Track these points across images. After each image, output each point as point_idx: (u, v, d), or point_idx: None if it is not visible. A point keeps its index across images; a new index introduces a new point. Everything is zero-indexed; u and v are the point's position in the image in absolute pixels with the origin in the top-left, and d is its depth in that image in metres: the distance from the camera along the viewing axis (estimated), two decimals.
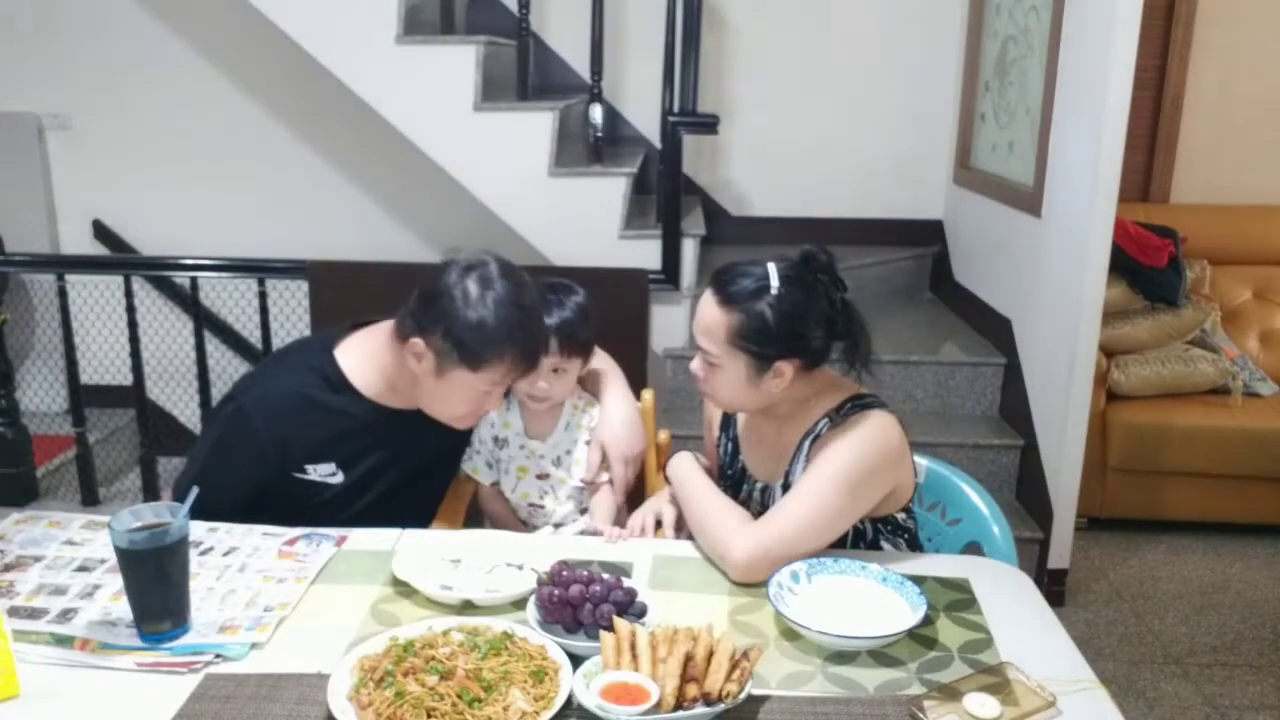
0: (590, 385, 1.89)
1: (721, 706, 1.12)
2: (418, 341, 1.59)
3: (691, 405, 3.28)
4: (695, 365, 1.58)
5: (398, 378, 1.67)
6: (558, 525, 1.83)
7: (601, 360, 1.91)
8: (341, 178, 3.98)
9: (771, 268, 1.51)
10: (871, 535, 1.62)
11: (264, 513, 1.63)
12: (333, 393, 1.68)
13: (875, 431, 1.52)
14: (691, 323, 1.58)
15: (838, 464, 1.50)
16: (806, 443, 1.57)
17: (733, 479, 1.72)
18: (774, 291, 1.49)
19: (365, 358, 1.70)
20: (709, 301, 1.54)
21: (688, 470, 1.64)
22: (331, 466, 1.69)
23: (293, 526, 1.60)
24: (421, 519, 1.79)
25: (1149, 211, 3.69)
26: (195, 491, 1.34)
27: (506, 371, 1.60)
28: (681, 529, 1.65)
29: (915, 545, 1.68)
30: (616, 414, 1.83)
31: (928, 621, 1.34)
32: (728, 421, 1.76)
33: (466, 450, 1.87)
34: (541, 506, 1.84)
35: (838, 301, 1.54)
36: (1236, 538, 3.32)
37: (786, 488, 1.59)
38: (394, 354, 1.65)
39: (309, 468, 1.69)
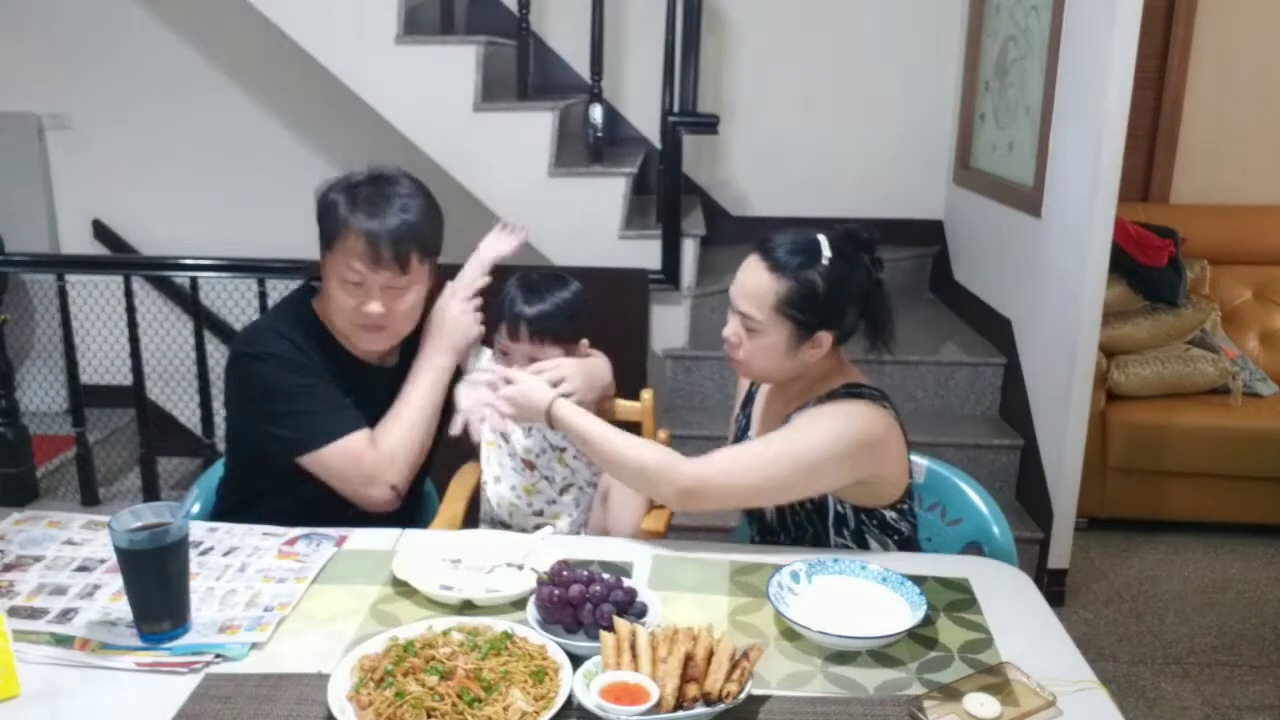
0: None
1: (721, 706, 1.12)
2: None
3: (691, 405, 3.28)
4: (731, 330, 1.58)
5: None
6: (549, 508, 1.84)
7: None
8: None
9: (822, 239, 1.53)
10: (854, 524, 1.62)
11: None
12: (307, 335, 1.73)
13: (847, 415, 1.53)
14: (731, 287, 1.59)
15: (797, 436, 1.52)
16: (793, 414, 1.59)
17: None
18: (824, 261, 1.52)
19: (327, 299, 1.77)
20: (757, 267, 1.54)
21: (579, 411, 1.63)
22: None
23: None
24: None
25: (1149, 211, 3.69)
26: (195, 493, 1.34)
27: (353, 246, 1.61)
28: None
29: (908, 548, 1.67)
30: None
31: (928, 621, 1.33)
32: (749, 399, 1.78)
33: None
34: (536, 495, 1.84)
35: (874, 280, 1.57)
36: (1236, 538, 3.32)
37: None
38: None
39: None
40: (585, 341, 1.85)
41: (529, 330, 1.76)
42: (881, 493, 1.60)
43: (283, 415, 1.66)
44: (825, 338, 1.55)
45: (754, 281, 1.54)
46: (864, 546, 1.63)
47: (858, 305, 1.56)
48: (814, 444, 1.51)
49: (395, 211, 1.64)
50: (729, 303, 1.58)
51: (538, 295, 1.78)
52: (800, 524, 1.65)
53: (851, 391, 1.56)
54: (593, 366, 1.84)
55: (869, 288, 1.56)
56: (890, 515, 1.63)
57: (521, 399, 1.63)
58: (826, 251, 1.52)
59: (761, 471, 1.51)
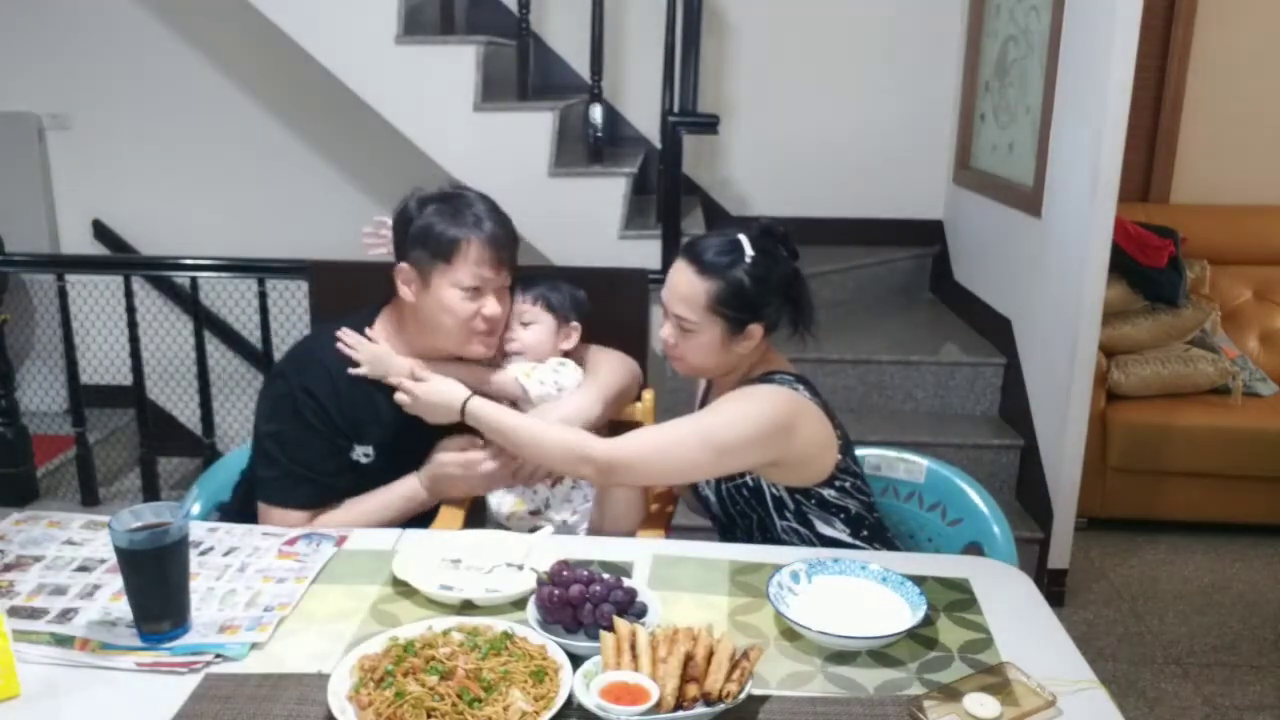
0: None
1: (721, 706, 1.12)
2: (403, 266, 1.73)
3: (692, 406, 3.27)
4: (667, 332, 1.67)
5: (413, 328, 1.76)
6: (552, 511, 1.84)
7: (607, 364, 1.91)
8: (342, 178, 3.98)
9: (743, 238, 1.62)
10: (794, 506, 1.66)
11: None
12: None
13: (755, 398, 1.61)
14: (663, 292, 1.67)
15: (708, 417, 1.62)
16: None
17: None
18: (748, 259, 1.60)
19: (390, 325, 1.80)
20: (686, 271, 1.62)
21: (494, 405, 1.69)
22: (369, 449, 1.76)
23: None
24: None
25: (1149, 211, 3.69)
26: (195, 493, 1.34)
27: (478, 253, 1.69)
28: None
29: (858, 525, 1.68)
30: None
31: (928, 621, 1.34)
32: (704, 398, 1.83)
33: None
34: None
35: (793, 269, 1.67)
36: (1236, 538, 3.32)
37: None
38: (404, 305, 1.77)
39: (356, 447, 1.75)
40: (577, 325, 1.88)
41: (531, 297, 1.84)
42: (801, 473, 1.65)
43: (265, 445, 1.72)
44: (756, 330, 1.63)
45: (685, 285, 1.62)
46: (810, 527, 1.66)
47: (780, 295, 1.65)
48: (723, 425, 1.59)
49: (492, 217, 1.72)
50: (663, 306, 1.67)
51: (550, 288, 1.87)
52: (743, 512, 1.69)
53: (765, 377, 1.64)
54: (632, 364, 1.95)
55: (789, 277, 1.66)
56: (829, 493, 1.66)
57: (435, 395, 1.69)
58: (749, 250, 1.61)
59: (676, 448, 1.59)
